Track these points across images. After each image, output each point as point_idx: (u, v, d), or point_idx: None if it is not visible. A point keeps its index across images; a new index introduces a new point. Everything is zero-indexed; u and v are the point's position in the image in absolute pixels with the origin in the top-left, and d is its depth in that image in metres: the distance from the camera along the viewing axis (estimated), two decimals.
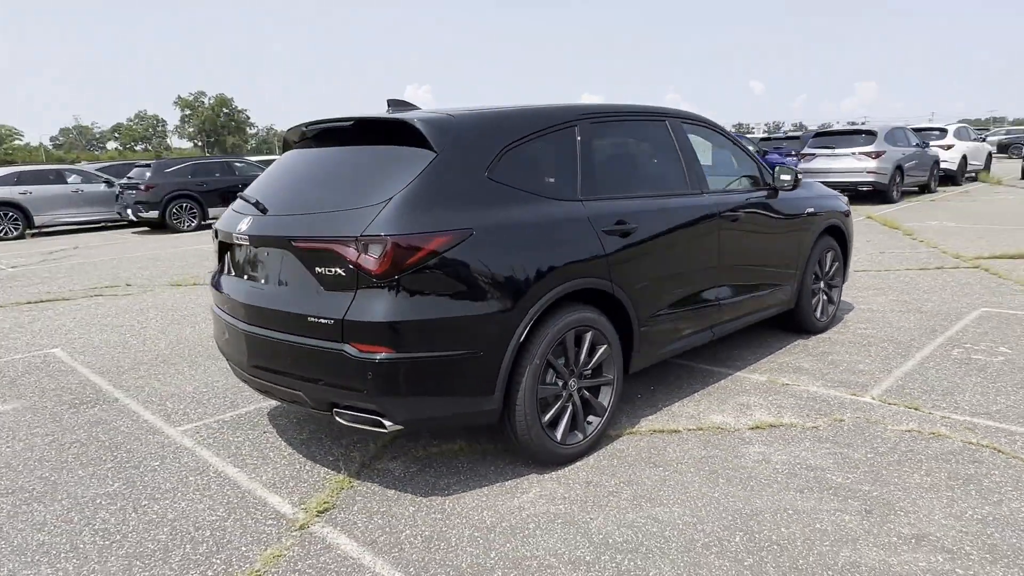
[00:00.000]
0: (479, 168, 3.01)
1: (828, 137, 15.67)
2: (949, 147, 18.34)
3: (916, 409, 3.76)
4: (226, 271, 3.48)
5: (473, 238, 2.84)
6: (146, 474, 3.38)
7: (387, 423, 2.82)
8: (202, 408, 4.25)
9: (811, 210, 5.01)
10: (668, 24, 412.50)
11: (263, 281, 3.16)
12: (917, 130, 18.41)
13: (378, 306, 2.72)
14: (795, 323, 5.18)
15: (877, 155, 14.44)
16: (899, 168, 14.93)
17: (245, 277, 3.30)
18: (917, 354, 4.70)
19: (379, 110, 3.47)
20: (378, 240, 2.70)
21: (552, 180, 3.30)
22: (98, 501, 3.12)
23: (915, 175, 15.93)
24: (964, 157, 18.66)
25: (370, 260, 2.70)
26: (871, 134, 14.94)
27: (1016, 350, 4.69)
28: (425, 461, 3.40)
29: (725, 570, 2.43)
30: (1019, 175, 20.36)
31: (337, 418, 2.94)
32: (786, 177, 4.65)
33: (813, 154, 15.24)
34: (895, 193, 14.87)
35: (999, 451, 3.24)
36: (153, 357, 5.42)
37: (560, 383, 3.22)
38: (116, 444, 3.76)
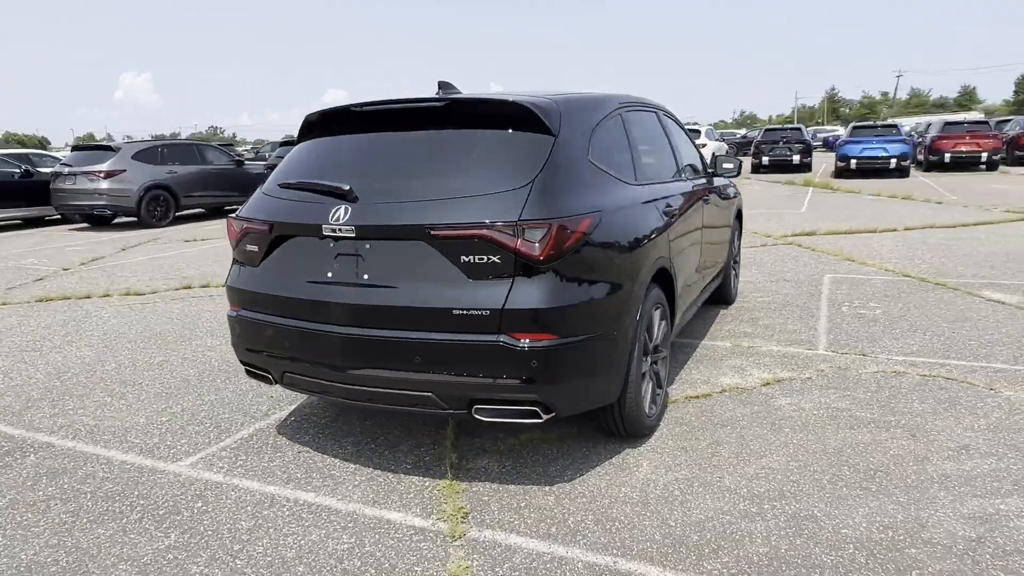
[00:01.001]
0: (585, 151, 3.03)
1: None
2: (703, 146, 21.47)
3: (864, 355, 4.56)
4: (286, 268, 3.04)
5: (603, 220, 2.87)
6: (199, 517, 2.83)
7: (543, 414, 2.73)
8: (186, 438, 3.60)
9: (733, 193, 5.72)
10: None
11: (366, 276, 2.83)
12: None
13: (542, 292, 2.64)
14: (721, 295, 5.86)
15: None
16: None
17: (329, 274, 2.91)
18: (820, 314, 5.64)
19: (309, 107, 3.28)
20: (540, 224, 2.61)
21: (619, 163, 3.42)
22: (170, 557, 2.56)
23: None
24: (713, 154, 21.95)
25: (533, 245, 2.61)
26: None
27: (883, 305, 5.85)
28: (513, 455, 3.31)
29: (862, 497, 2.81)
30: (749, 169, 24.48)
31: (477, 416, 2.76)
32: (729, 165, 5.24)
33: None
34: None
35: (949, 379, 4.10)
36: (61, 386, 4.38)
37: (647, 359, 3.36)
38: (116, 493, 3.06)
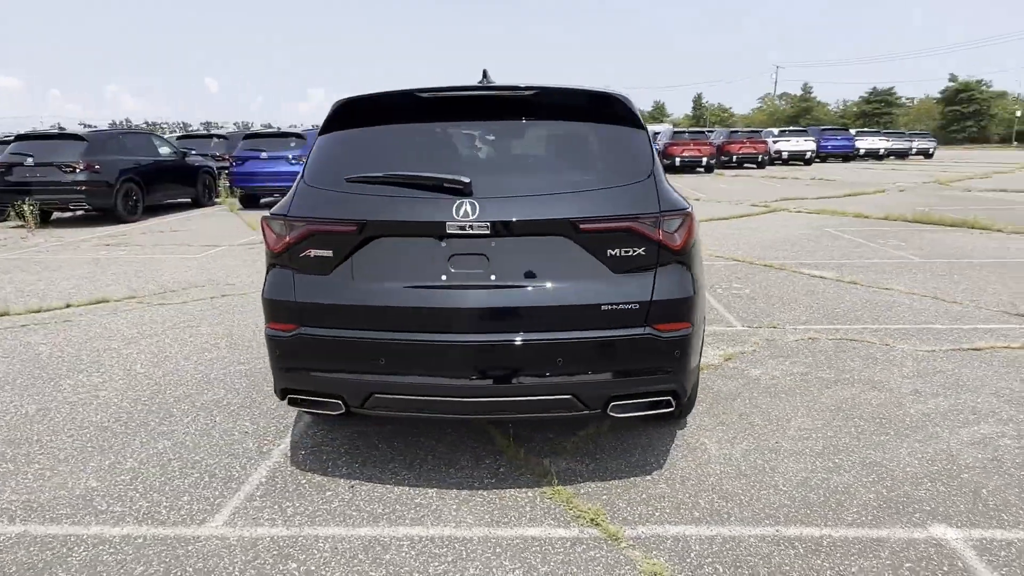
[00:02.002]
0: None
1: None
2: None
3: (775, 327, 5.29)
4: (376, 273, 2.63)
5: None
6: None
7: (674, 402, 2.76)
8: (187, 495, 2.91)
9: None
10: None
11: (494, 276, 2.57)
12: None
13: (681, 281, 2.67)
14: None
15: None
16: None
17: (444, 277, 2.58)
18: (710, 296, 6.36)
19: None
20: (677, 215, 2.64)
21: None
22: None
23: None
24: None
25: (673, 236, 2.62)
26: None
27: (745, 285, 6.79)
28: (583, 453, 3.27)
29: (891, 441, 3.32)
30: None
31: (612, 412, 2.69)
32: None
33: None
34: None
35: (852, 340, 4.95)
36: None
37: None
38: (171, 574, 2.38)
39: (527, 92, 2.82)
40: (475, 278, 2.59)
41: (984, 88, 64.31)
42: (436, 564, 2.42)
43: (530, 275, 2.60)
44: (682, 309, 2.67)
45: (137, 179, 12.89)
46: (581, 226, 2.56)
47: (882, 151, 34.98)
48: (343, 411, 2.75)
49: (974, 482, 2.93)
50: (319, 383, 2.74)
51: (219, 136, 19.58)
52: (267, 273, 2.85)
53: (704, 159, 24.72)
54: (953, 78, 66.15)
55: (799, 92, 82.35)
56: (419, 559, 2.45)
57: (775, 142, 29.70)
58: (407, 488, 2.95)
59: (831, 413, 3.66)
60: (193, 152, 15.65)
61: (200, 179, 15.27)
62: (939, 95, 68.89)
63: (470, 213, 2.54)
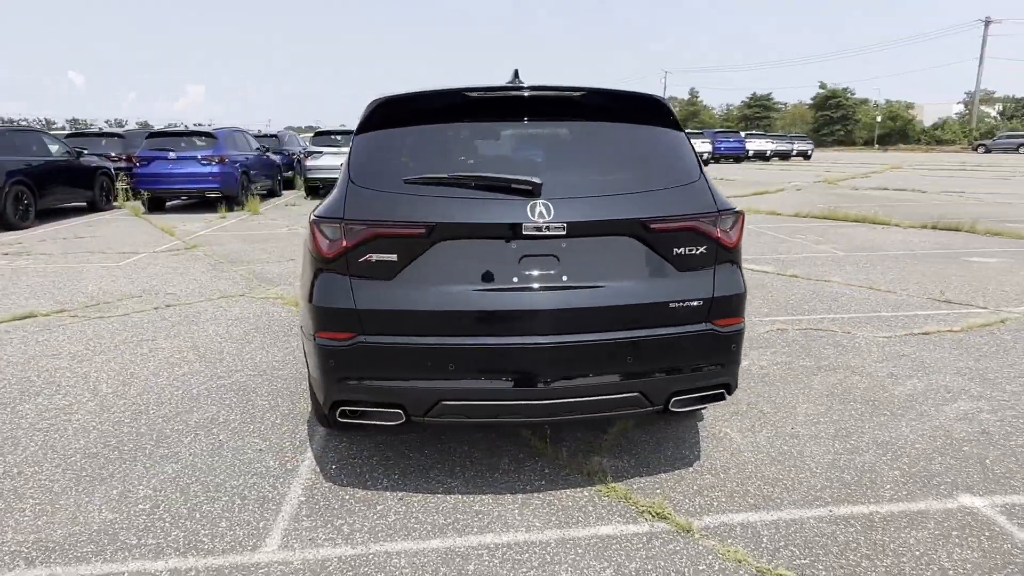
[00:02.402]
0: None
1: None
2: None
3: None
4: (442, 276, 2.55)
5: None
6: None
7: (727, 394, 2.85)
8: (226, 521, 2.71)
9: None
10: None
11: (566, 278, 2.55)
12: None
13: (735, 278, 2.76)
14: None
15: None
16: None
17: (515, 279, 2.54)
18: None
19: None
20: (732, 214, 2.73)
21: None
22: None
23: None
24: None
25: (729, 233, 2.71)
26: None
27: None
28: (620, 449, 3.31)
29: (890, 421, 3.59)
30: None
31: (673, 408, 2.74)
32: None
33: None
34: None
35: (816, 330, 5.28)
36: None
37: None
38: None
39: (575, 93, 2.83)
40: (547, 279, 2.57)
41: (849, 95, 70.18)
42: (525, 570, 2.39)
43: (600, 275, 2.61)
44: (737, 305, 2.77)
45: (28, 181, 11.69)
46: (652, 226, 2.61)
47: (769, 152, 37.42)
48: (402, 421, 2.65)
49: (976, 454, 3.22)
50: (379, 393, 2.62)
51: (114, 135, 18.13)
52: (313, 279, 2.69)
53: None
54: (823, 85, 71.75)
55: (687, 96, 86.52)
56: (505, 567, 2.40)
57: None
58: (459, 496, 2.88)
59: (828, 398, 3.90)
60: (87, 152, 14.43)
61: (97, 181, 14.10)
62: (811, 101, 74.48)
63: (545, 214, 2.51)
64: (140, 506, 2.83)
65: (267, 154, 16.79)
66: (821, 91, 71.66)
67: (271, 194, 16.96)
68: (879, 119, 65.93)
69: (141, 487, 2.98)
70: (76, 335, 5.23)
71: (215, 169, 13.62)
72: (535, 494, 2.90)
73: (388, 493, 2.92)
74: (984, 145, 50.10)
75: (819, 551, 2.48)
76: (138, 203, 14.03)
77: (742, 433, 3.46)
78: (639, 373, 2.64)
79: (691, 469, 3.10)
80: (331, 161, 16.27)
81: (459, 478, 3.04)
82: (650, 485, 2.96)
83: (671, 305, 2.63)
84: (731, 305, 2.75)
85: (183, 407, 3.84)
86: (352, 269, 2.59)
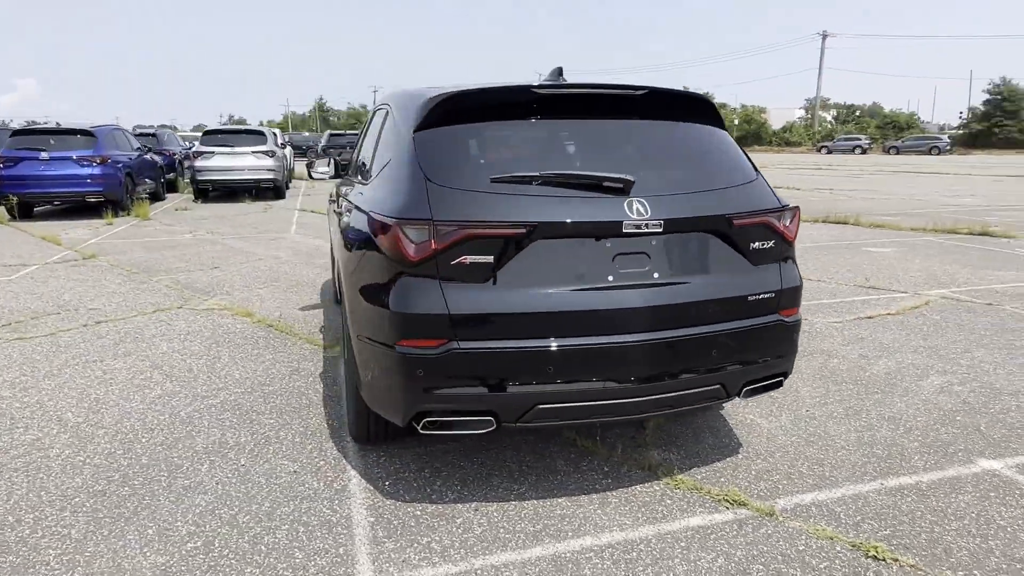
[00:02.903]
0: None
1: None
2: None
3: None
4: (538, 277, 2.49)
5: None
6: None
7: (784, 381, 2.97)
8: (301, 548, 2.49)
9: None
10: None
11: (656, 275, 2.55)
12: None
13: (795, 271, 2.89)
14: None
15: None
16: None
17: (610, 277, 2.51)
18: None
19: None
20: (792, 210, 2.85)
21: None
22: None
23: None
24: None
25: (790, 228, 2.84)
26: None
27: None
28: (667, 443, 3.37)
29: (886, 398, 3.90)
30: None
31: (745, 396, 2.83)
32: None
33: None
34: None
35: None
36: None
37: None
38: None
39: (638, 92, 2.85)
40: (640, 277, 2.56)
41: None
42: (640, 569, 2.38)
43: (687, 271, 2.65)
44: (798, 296, 2.90)
45: None
46: (734, 222, 2.67)
47: None
48: (493, 428, 2.55)
49: (969, 422, 3.57)
50: (470, 401, 2.51)
51: None
52: (390, 283, 2.53)
53: None
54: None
55: None
56: (620, 567, 2.38)
57: None
58: (535, 501, 2.82)
59: (821, 381, 4.18)
60: None
61: None
62: None
63: (643, 212, 2.51)
64: (190, 544, 2.53)
65: (149, 154, 15.51)
66: None
67: (155, 197, 15.68)
68: (736, 122, 71.08)
69: (180, 523, 2.67)
70: (1, 361, 4.58)
71: (96, 171, 12.37)
72: (608, 492, 2.89)
73: (460, 505, 2.80)
74: (826, 146, 55.34)
75: (893, 521, 2.65)
76: (2, 209, 12.46)
77: (766, 419, 3.63)
78: (721, 365, 2.70)
79: (740, 456, 3.21)
80: (224, 162, 15.30)
81: (524, 483, 2.97)
82: (712, 474, 3.04)
83: (749, 298, 2.72)
84: (794, 296, 2.88)
85: (179, 432, 3.48)
86: (442, 272, 2.46)
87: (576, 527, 2.64)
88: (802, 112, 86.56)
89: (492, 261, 2.46)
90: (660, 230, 2.55)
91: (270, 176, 15.71)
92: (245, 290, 6.66)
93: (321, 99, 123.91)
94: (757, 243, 2.76)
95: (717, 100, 77.44)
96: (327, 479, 3.01)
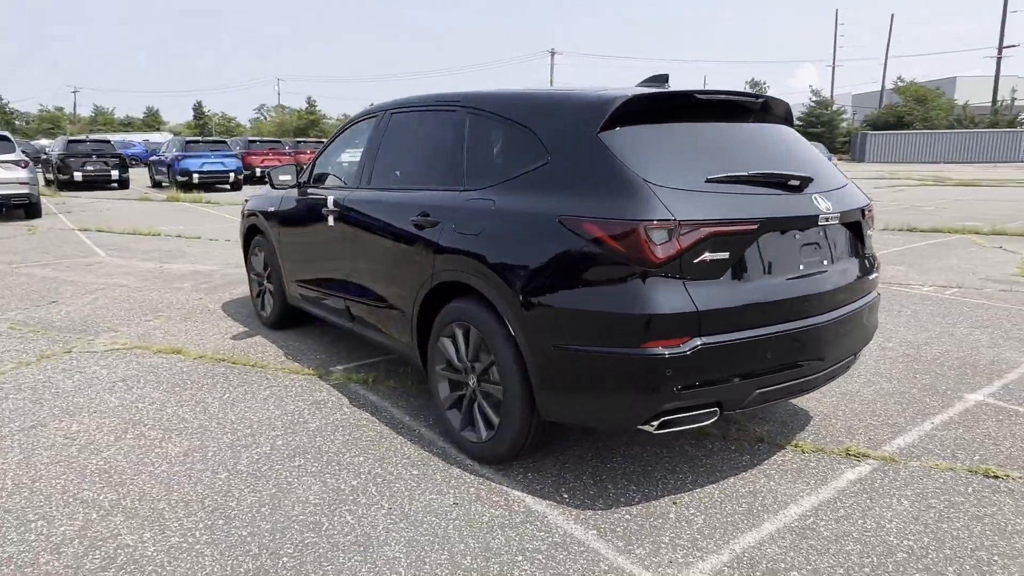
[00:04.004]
0: None
1: None
2: None
3: None
4: (756, 270, 2.65)
5: None
6: None
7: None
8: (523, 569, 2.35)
9: None
10: None
11: (825, 262, 2.85)
12: None
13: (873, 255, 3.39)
14: None
15: None
16: None
17: (801, 267, 2.75)
18: None
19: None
20: (871, 205, 3.35)
21: None
22: None
23: None
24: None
25: (870, 223, 3.32)
26: (5, 139, 12.91)
27: None
28: (756, 410, 3.70)
29: None
30: None
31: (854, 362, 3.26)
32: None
33: None
34: None
35: None
36: None
37: None
38: None
39: (759, 99, 3.14)
40: (818, 265, 2.85)
41: None
42: (859, 519, 2.67)
43: (840, 258, 3.00)
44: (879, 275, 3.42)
45: None
46: (864, 212, 3.09)
47: None
48: (716, 418, 2.65)
49: (923, 370, 4.47)
50: (703, 394, 2.57)
51: None
52: (629, 286, 2.49)
53: None
54: None
55: (304, 105, 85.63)
56: (842, 523, 2.65)
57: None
58: (712, 487, 2.96)
59: None
60: None
61: None
62: None
63: (830, 206, 2.80)
64: None
65: None
66: None
67: None
68: None
69: None
70: None
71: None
72: (761, 466, 3.13)
73: (655, 502, 2.83)
74: None
75: (976, 446, 3.30)
76: None
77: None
78: (861, 337, 3.12)
79: (817, 418, 3.67)
80: None
81: (681, 471, 3.09)
82: (818, 437, 3.43)
83: (870, 278, 3.16)
84: (879, 275, 3.39)
85: (266, 490, 2.95)
86: (684, 271, 2.50)
87: (773, 499, 2.84)
88: None
89: (727, 257, 2.56)
90: (837, 222, 2.88)
91: (24, 191, 12.94)
92: (132, 324, 5.59)
93: (2, 99, 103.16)
94: (867, 232, 3.23)
95: None
96: (500, 503, 2.82)
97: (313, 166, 4.76)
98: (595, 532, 2.62)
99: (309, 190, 4.68)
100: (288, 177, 4.69)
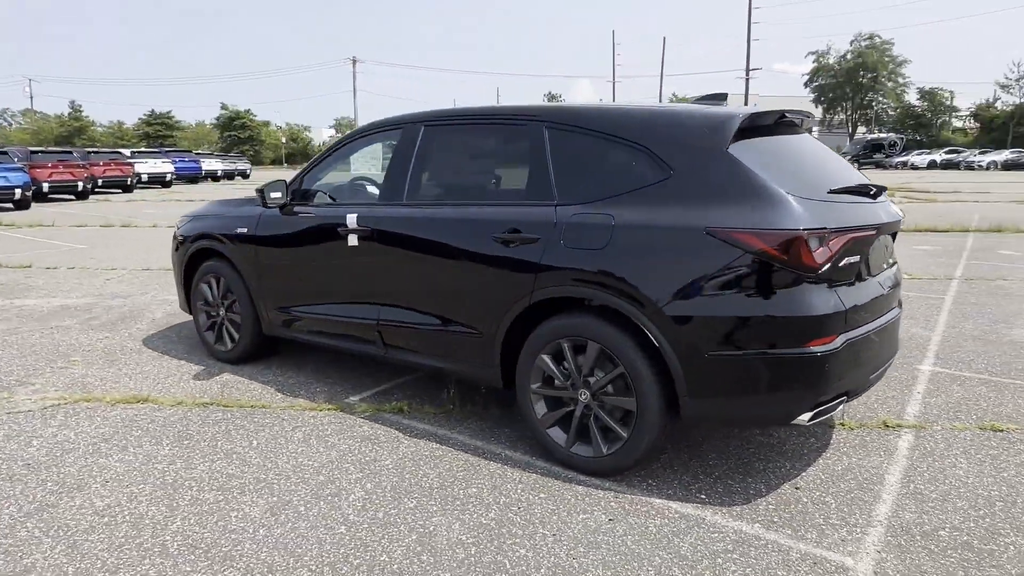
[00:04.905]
0: None
1: None
2: None
3: None
4: (862, 272, 2.94)
5: None
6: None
7: None
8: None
9: None
10: None
11: (884, 265, 3.24)
12: None
13: None
14: None
15: None
16: None
17: (884, 266, 3.14)
18: None
19: None
20: None
21: None
22: None
23: None
24: None
25: None
26: None
27: None
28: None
29: None
30: None
31: None
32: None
33: None
34: None
35: None
36: None
37: None
38: None
39: (807, 115, 3.49)
40: (883, 266, 3.25)
41: (252, 117, 73.37)
42: (944, 483, 3.11)
43: (890, 260, 3.41)
44: None
45: None
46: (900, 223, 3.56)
47: (220, 172, 36.68)
48: (844, 404, 2.92)
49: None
50: (842, 385, 2.83)
51: None
52: (792, 292, 2.68)
53: (80, 183, 21.26)
54: (225, 106, 72.95)
55: (68, 111, 75.16)
56: (938, 488, 3.07)
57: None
58: (804, 475, 3.23)
59: None
60: None
61: None
62: (216, 121, 74.78)
63: (897, 213, 3.19)
64: None
65: None
66: (224, 112, 72.78)
67: None
68: (284, 140, 71.40)
69: None
70: None
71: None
72: (832, 447, 3.48)
73: (780, 491, 3.04)
74: None
75: (965, 408, 3.94)
76: None
77: None
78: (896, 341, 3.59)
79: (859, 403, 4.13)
80: None
81: (777, 460, 3.34)
82: (849, 414, 3.88)
83: (901, 280, 3.65)
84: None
85: (405, 540, 2.71)
86: (831, 274, 2.73)
87: (869, 473, 3.18)
88: (333, 131, 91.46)
89: (858, 260, 2.85)
90: (895, 228, 3.30)
91: None
92: (45, 373, 4.66)
93: None
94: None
95: (260, 117, 76.33)
96: (652, 513, 2.86)
97: (300, 183, 4.36)
98: (760, 525, 2.77)
99: (298, 208, 4.28)
100: (279, 195, 4.25)
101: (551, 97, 67.98)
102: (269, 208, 4.31)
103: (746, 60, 58.59)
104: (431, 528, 2.76)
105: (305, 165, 4.48)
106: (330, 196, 4.43)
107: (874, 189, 3.23)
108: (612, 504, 2.94)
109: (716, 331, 2.79)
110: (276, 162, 72.37)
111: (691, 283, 2.82)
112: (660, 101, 68.96)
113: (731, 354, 2.77)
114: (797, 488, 3.08)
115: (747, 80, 58.74)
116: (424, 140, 3.79)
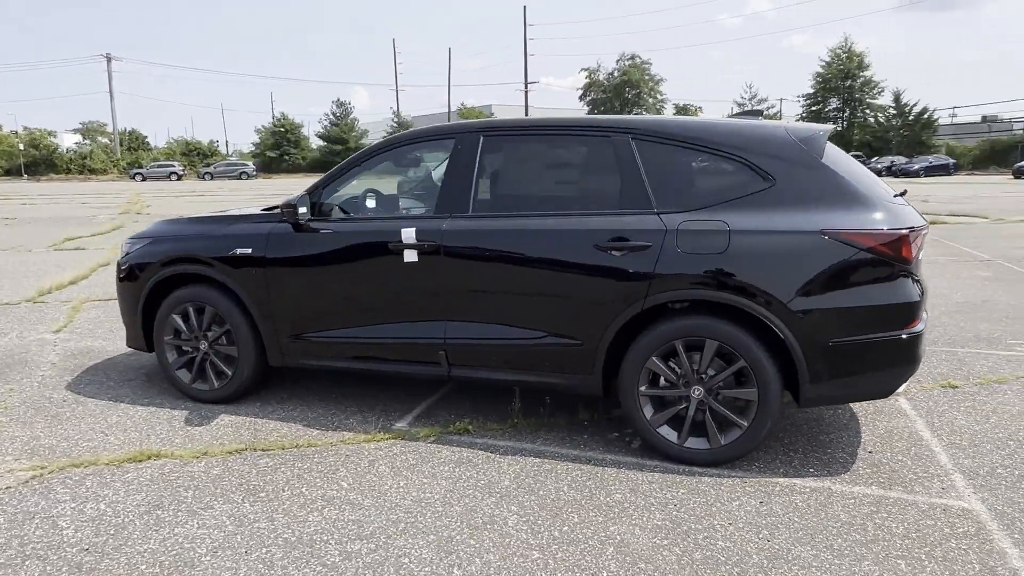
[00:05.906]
0: None
1: None
2: None
3: None
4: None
5: None
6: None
7: None
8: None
9: None
10: None
11: None
12: None
13: None
14: None
15: None
16: None
17: None
18: None
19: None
20: None
21: None
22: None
23: None
24: None
25: None
26: None
27: None
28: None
29: None
30: None
31: None
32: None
33: None
34: None
35: None
36: None
37: None
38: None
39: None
40: None
41: None
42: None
43: None
44: None
45: None
46: None
47: None
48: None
49: None
50: (921, 359, 3.33)
51: None
52: (896, 282, 3.11)
53: None
54: None
55: None
56: None
57: None
58: (933, 442, 3.74)
59: None
60: None
61: None
62: None
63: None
64: None
65: None
66: None
67: None
68: (23, 148, 61.01)
69: None
70: None
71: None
72: (925, 409, 4.04)
73: (927, 464, 3.44)
74: (140, 173, 52.96)
75: (959, 370, 4.78)
76: None
77: None
78: None
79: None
80: None
81: (877, 432, 3.81)
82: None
83: None
84: None
85: (622, 561, 2.70)
86: (913, 268, 3.20)
87: (973, 431, 3.77)
88: (78, 137, 79.99)
89: (917, 255, 3.37)
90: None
91: None
92: (33, 426, 3.73)
93: None
94: None
95: None
96: (803, 491, 3.13)
97: (319, 197, 3.98)
98: (877, 487, 3.16)
99: (317, 225, 3.92)
100: (305, 210, 3.84)
101: (339, 104, 66.09)
102: (299, 223, 3.86)
103: (524, 74, 62.90)
104: (618, 537, 2.77)
105: (322, 177, 4.09)
106: (397, 207, 4.41)
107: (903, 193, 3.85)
108: (747, 489, 3.16)
109: (835, 321, 3.15)
110: (13, 173, 61.61)
111: (811, 279, 3.16)
112: (449, 111, 70.80)
113: (849, 340, 3.15)
114: (870, 452, 3.55)
115: (526, 92, 63.04)
116: (480, 151, 3.70)
